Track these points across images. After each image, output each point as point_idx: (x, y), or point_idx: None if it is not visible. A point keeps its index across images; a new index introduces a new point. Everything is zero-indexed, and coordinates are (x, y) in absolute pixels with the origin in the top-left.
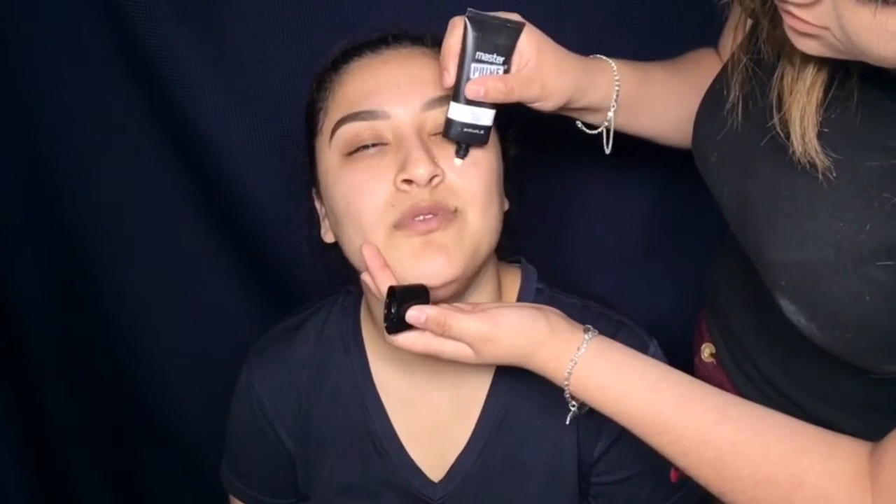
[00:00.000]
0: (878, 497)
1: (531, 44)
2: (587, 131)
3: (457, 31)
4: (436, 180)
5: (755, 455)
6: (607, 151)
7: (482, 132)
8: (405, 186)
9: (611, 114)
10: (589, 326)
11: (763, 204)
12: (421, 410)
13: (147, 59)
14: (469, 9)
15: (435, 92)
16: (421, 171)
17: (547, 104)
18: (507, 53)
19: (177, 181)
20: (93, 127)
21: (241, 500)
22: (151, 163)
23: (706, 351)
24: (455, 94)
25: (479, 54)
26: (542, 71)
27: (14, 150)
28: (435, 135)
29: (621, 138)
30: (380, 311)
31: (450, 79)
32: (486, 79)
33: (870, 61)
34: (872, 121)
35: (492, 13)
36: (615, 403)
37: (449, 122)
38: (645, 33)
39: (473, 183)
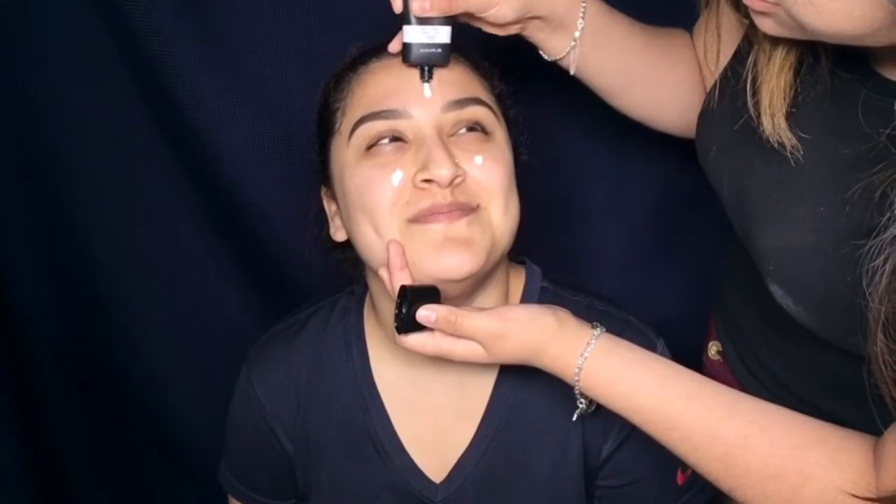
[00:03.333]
0: (883, 488)
1: None
2: (547, 58)
3: None
4: (457, 180)
5: (764, 449)
6: (572, 72)
7: (440, 50)
8: (424, 185)
9: (577, 32)
10: (597, 323)
11: (754, 193)
12: (423, 412)
13: (147, 61)
14: None
15: (455, 94)
16: (443, 171)
17: (502, 10)
18: None
19: (177, 181)
20: (93, 127)
21: (239, 500)
22: (152, 163)
23: (713, 349)
24: (405, 16)
25: None
26: None
27: (14, 151)
28: (453, 134)
29: (624, 136)
30: (386, 310)
31: (398, 4)
32: None
33: (813, 37)
34: (845, 105)
35: None
36: (625, 399)
37: (406, 47)
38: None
39: (495, 179)
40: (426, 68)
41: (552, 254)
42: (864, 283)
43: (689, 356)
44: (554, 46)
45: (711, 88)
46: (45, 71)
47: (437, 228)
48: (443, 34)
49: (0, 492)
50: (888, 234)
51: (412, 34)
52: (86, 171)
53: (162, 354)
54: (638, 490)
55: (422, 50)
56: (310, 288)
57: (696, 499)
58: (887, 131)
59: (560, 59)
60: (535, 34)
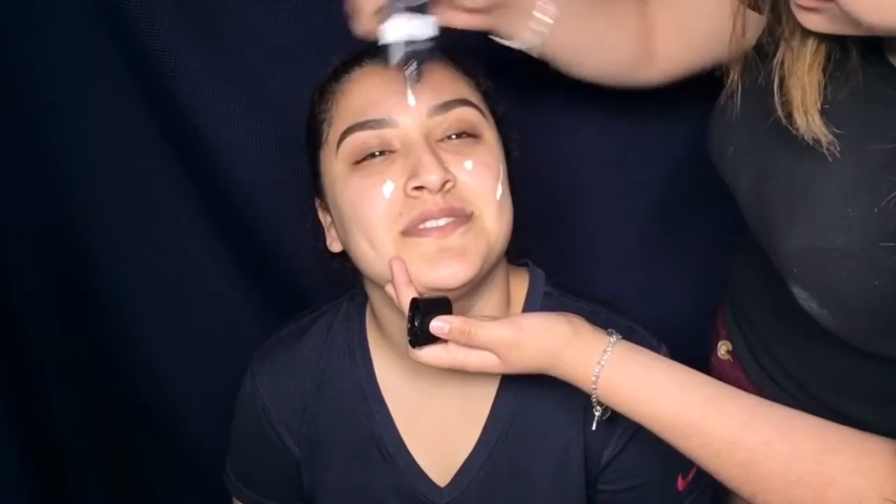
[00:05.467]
0: None
1: None
2: (510, 44)
3: None
4: (448, 185)
5: (786, 454)
6: (536, 55)
7: (430, 43)
8: (416, 193)
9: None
10: (612, 330)
11: (776, 193)
12: (427, 416)
13: (147, 61)
14: None
15: (440, 97)
16: (433, 176)
17: None
18: None
19: (177, 182)
20: (93, 128)
21: (243, 503)
22: (152, 163)
23: (722, 348)
24: (384, 11)
25: None
26: None
27: (14, 151)
28: (442, 140)
29: (624, 136)
30: (387, 319)
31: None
32: None
33: (867, 32)
34: (874, 103)
35: None
36: (643, 406)
37: (390, 47)
38: None
39: (486, 184)
40: (413, 68)
41: (551, 254)
42: None
43: (691, 357)
44: (517, 32)
45: (728, 86)
46: (44, 71)
47: (430, 241)
48: (429, 25)
49: (0, 492)
50: None
51: (395, 30)
52: (86, 171)
53: (162, 354)
54: (639, 495)
55: (408, 47)
56: (310, 288)
57: (697, 503)
58: None
59: (524, 45)
60: (499, 22)
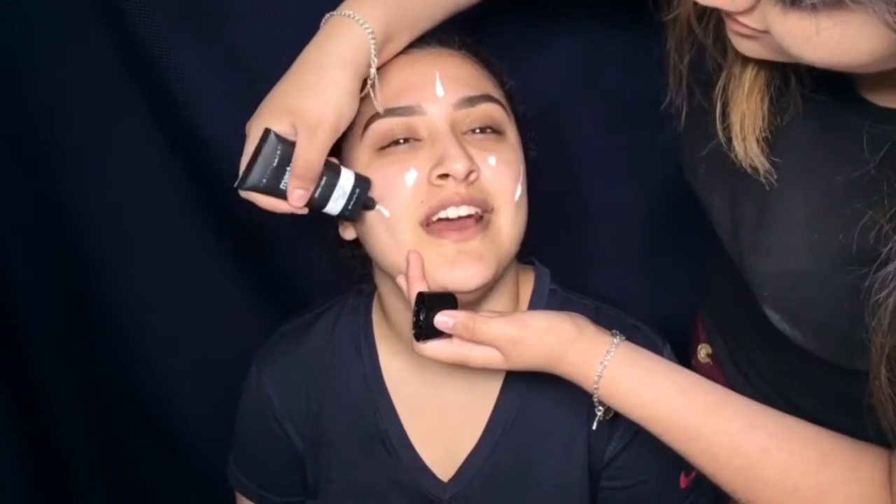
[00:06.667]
0: None
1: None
2: None
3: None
4: (472, 176)
5: (783, 464)
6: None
7: (357, 192)
8: (440, 181)
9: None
10: (616, 331)
11: (747, 217)
12: (432, 410)
13: (147, 59)
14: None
15: (467, 91)
16: (459, 165)
17: None
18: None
19: (177, 181)
20: (92, 127)
21: (248, 497)
22: (152, 163)
23: (702, 352)
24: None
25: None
26: None
27: (13, 151)
28: (466, 133)
29: (622, 136)
30: (395, 310)
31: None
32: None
33: (800, 62)
34: (831, 131)
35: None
36: (644, 409)
37: (339, 216)
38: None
39: (507, 183)
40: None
41: (547, 252)
42: (866, 317)
43: (680, 358)
44: None
45: (690, 110)
46: (45, 70)
47: (449, 243)
48: (348, 178)
49: (0, 492)
50: (891, 269)
51: (335, 206)
52: (86, 170)
53: (162, 354)
54: (641, 492)
55: (351, 206)
56: (312, 286)
57: (699, 501)
58: (879, 157)
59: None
60: None
